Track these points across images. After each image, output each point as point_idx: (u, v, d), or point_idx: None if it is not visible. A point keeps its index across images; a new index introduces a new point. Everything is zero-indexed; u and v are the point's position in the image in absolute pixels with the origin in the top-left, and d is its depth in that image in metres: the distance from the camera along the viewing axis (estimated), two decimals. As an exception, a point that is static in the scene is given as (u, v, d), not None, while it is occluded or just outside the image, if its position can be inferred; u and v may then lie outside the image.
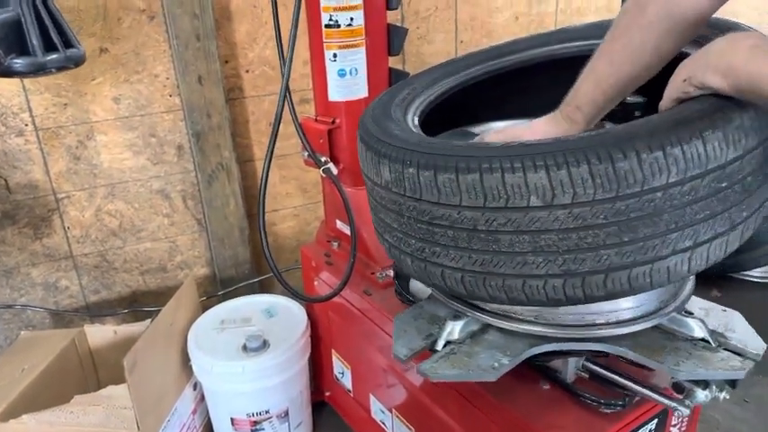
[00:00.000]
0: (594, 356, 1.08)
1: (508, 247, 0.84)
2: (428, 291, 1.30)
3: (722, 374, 0.96)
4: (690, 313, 1.06)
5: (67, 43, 1.27)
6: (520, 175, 0.80)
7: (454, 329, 1.04)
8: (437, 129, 1.23)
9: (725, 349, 1.00)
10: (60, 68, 1.27)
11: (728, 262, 1.29)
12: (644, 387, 1.03)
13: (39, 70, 1.24)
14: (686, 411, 0.97)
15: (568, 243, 0.81)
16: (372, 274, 1.59)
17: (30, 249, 2.00)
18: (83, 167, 1.98)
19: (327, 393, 1.96)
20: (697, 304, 1.12)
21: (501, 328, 1.04)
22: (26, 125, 1.87)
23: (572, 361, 1.10)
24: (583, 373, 1.10)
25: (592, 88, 0.95)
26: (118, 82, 1.94)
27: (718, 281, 2.42)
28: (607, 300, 0.90)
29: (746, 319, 1.08)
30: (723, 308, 1.11)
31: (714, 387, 0.99)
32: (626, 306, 0.99)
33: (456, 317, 1.06)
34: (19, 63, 1.22)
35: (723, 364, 0.96)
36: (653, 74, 0.93)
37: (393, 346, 1.04)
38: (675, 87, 0.86)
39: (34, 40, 1.22)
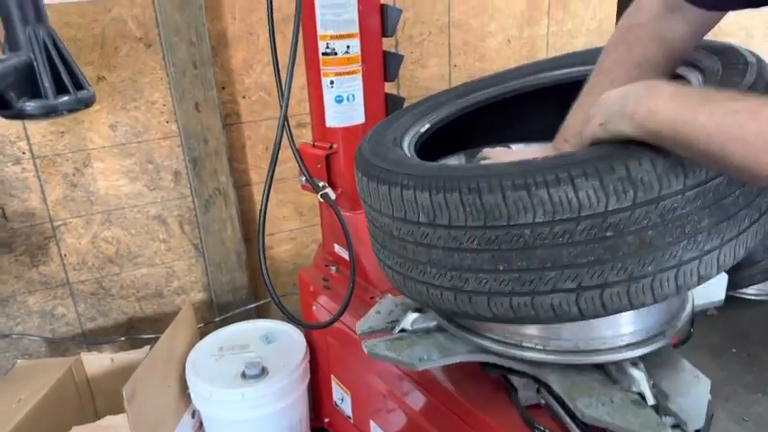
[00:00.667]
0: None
1: (413, 256, 0.95)
2: None
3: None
4: (635, 364, 0.99)
5: (78, 85, 1.29)
6: (410, 194, 0.90)
7: (409, 320, 1.15)
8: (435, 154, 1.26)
9: (662, 413, 0.94)
10: (71, 110, 1.29)
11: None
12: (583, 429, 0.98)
13: (50, 113, 1.26)
14: None
15: (452, 261, 0.89)
16: (371, 298, 1.59)
17: (26, 277, 1.99)
18: (79, 195, 1.99)
19: (327, 420, 1.95)
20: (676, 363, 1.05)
21: (448, 332, 1.12)
22: (23, 153, 1.88)
23: (526, 384, 1.09)
24: (542, 401, 1.08)
25: (579, 122, 0.95)
26: (115, 109, 1.95)
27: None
28: (497, 321, 0.96)
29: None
30: (698, 374, 1.02)
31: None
32: (566, 337, 0.99)
33: (416, 310, 1.16)
34: (31, 106, 1.23)
35: (638, 424, 0.89)
36: None
37: (358, 322, 1.20)
38: (591, 131, 0.85)
39: (46, 83, 1.23)
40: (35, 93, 1.24)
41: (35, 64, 1.22)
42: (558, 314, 0.86)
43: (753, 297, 2.61)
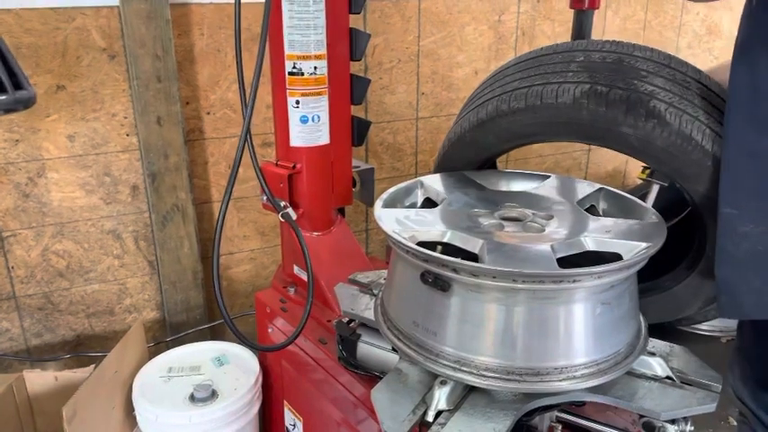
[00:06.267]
0: (572, 407, 1.09)
1: None
2: (375, 358, 1.28)
3: (697, 410, 0.99)
4: (652, 353, 1.09)
5: (17, 84, 1.24)
6: None
7: (441, 398, 1.00)
8: None
9: (688, 384, 1.04)
10: (8, 110, 1.22)
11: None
12: (620, 430, 1.05)
13: None
14: None
15: None
16: (329, 321, 1.56)
17: (-32, 289, 1.91)
18: (32, 205, 1.92)
19: (278, 445, 1.90)
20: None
21: (485, 390, 1.02)
22: (-27, 160, 1.81)
23: (548, 414, 1.09)
24: (555, 425, 1.09)
25: None
26: (74, 119, 1.90)
27: (668, 334, 2.48)
28: None
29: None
30: (669, 344, 1.16)
31: (681, 421, 1.01)
32: (602, 355, 1.00)
33: (442, 383, 1.02)
34: None
35: (695, 400, 1.00)
36: None
37: (384, 425, 0.98)
38: None
39: None
40: None
41: None
42: None
43: (706, 333, 2.67)
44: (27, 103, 1.20)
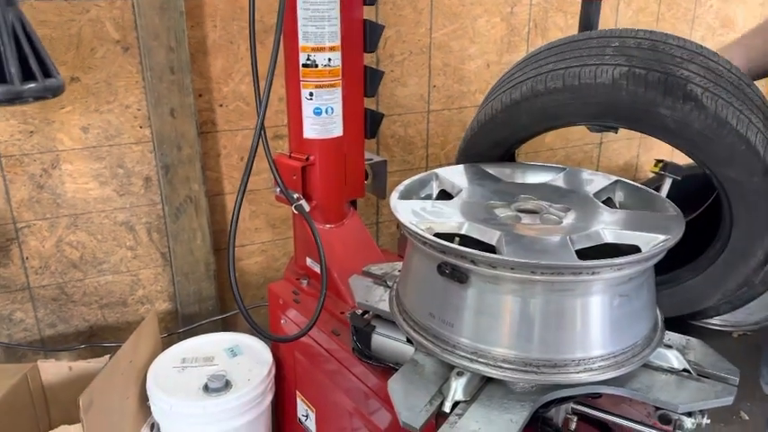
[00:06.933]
0: (588, 399, 1.09)
1: None
2: (390, 349, 1.28)
3: (714, 403, 0.99)
4: (668, 346, 1.09)
5: (46, 72, 1.25)
6: None
7: (458, 389, 1.00)
8: None
9: (706, 377, 1.04)
10: (37, 98, 1.23)
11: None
12: (636, 423, 1.04)
13: (15, 99, 1.20)
14: None
15: None
16: (342, 313, 1.57)
17: (-16, 280, 1.93)
18: (46, 196, 1.93)
19: (290, 436, 1.91)
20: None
21: (501, 381, 1.02)
22: (-11, 151, 1.82)
23: (564, 405, 1.09)
24: (571, 416, 1.10)
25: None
26: (87, 111, 1.91)
27: (677, 328, 2.48)
28: None
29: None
30: (686, 337, 1.16)
31: (698, 414, 1.01)
32: (620, 347, 1.00)
33: (459, 374, 1.01)
34: None
35: (713, 393, 1.00)
36: None
37: (402, 415, 0.97)
38: None
39: (12, 68, 1.19)
40: (0, 78, 1.19)
41: (1, 48, 1.18)
42: None
43: (717, 327, 2.66)
44: (56, 92, 1.21)
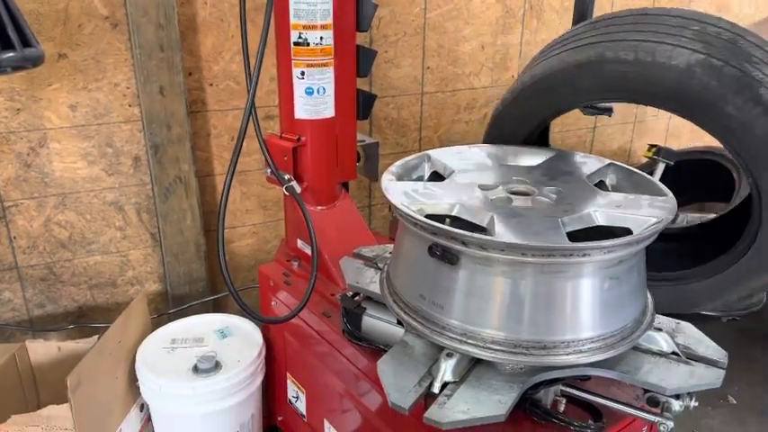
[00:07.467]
0: (577, 381, 1.10)
1: None
2: (380, 330, 1.28)
3: (702, 386, 1.00)
4: (658, 329, 1.09)
5: (25, 42, 1.21)
6: None
7: (447, 370, 1.00)
8: None
9: (695, 360, 1.05)
10: (16, 68, 1.20)
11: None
12: (625, 405, 1.05)
13: None
14: (671, 424, 1.01)
15: None
16: (332, 295, 1.56)
17: (-29, 259, 1.91)
18: (33, 175, 1.91)
19: (280, 418, 1.91)
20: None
21: (490, 363, 1.02)
22: (-26, 129, 1.79)
23: (552, 387, 1.09)
24: (559, 398, 1.10)
25: None
26: (75, 89, 1.88)
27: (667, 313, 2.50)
28: None
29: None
30: (675, 320, 1.17)
31: (686, 397, 1.02)
32: (609, 330, 1.00)
33: (448, 355, 1.01)
34: None
35: (701, 376, 1.01)
36: None
37: (391, 396, 0.97)
38: None
39: None
40: None
41: None
42: None
43: (706, 312, 2.67)
44: (36, 62, 1.18)
